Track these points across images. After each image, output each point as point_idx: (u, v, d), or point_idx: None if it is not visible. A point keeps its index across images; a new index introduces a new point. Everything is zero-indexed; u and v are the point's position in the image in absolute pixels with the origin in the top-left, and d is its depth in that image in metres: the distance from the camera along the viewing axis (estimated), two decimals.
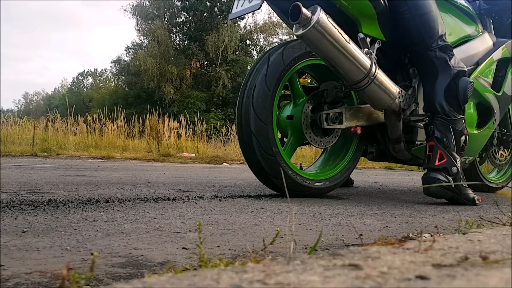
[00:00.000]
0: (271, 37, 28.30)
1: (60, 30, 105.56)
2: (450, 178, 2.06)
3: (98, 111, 9.40)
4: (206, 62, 26.95)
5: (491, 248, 0.69)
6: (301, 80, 2.44)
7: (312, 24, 1.79)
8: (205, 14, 26.14)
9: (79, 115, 9.50)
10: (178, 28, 27.26)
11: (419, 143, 2.34)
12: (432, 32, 2.13)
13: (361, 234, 1.18)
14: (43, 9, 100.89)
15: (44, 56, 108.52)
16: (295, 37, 1.99)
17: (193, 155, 7.46)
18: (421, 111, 2.27)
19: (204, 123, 9.49)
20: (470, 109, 2.50)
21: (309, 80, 3.34)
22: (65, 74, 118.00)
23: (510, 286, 0.45)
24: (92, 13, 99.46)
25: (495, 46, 2.66)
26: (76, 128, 8.86)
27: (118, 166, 4.37)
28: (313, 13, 1.81)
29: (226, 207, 1.70)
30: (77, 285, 0.57)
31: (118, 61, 29.61)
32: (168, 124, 8.63)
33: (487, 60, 2.56)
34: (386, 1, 2.10)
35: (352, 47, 1.91)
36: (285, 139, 2.31)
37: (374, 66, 1.97)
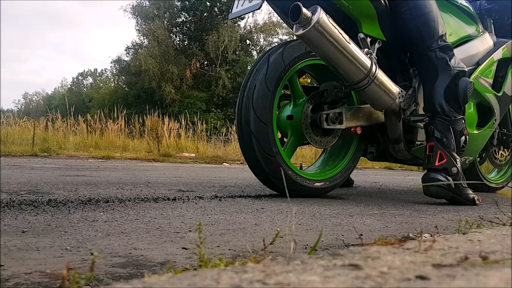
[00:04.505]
0: (271, 37, 28.34)
1: (57, 30, 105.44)
2: (450, 179, 2.06)
3: (98, 111, 9.39)
4: (206, 62, 26.96)
5: (491, 248, 0.69)
6: (301, 80, 2.44)
7: (312, 24, 1.79)
8: (205, 14, 26.15)
9: (79, 115, 9.49)
10: (178, 28, 27.27)
11: (419, 143, 2.34)
12: (432, 32, 2.13)
13: (361, 234, 1.18)
14: (39, 8, 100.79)
15: (42, 56, 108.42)
16: (295, 37, 1.99)
17: (193, 155, 7.46)
18: (421, 111, 2.27)
19: (204, 123, 9.48)
20: (470, 109, 2.50)
21: (309, 80, 3.34)
22: (63, 74, 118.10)
23: (510, 286, 0.45)
24: (90, 13, 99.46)
25: (496, 46, 2.66)
26: (76, 128, 8.86)
27: (118, 166, 4.37)
28: (313, 13, 1.80)
29: (226, 207, 1.69)
30: (77, 285, 0.57)
31: (118, 61, 29.64)
32: (168, 124, 8.63)
33: (488, 60, 2.56)
34: (386, 1, 2.10)
35: (352, 47, 1.91)
36: (285, 139, 2.31)
37: (374, 66, 1.97)
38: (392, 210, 1.82)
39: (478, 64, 2.54)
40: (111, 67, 38.66)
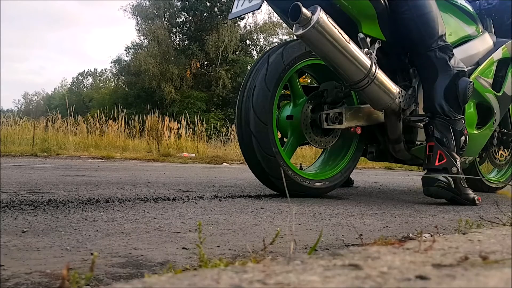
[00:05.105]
0: (271, 37, 28.34)
1: (57, 30, 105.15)
2: (450, 179, 2.06)
3: (98, 111, 9.39)
4: (206, 62, 26.96)
5: (491, 248, 0.69)
6: (301, 80, 2.44)
7: (312, 24, 1.79)
8: (205, 14, 26.15)
9: (79, 115, 9.49)
10: (178, 28, 27.27)
11: (419, 143, 2.34)
12: (432, 32, 2.13)
13: (361, 234, 1.18)
14: (39, 8, 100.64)
15: (41, 55, 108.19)
16: (295, 37, 1.99)
17: (193, 155, 7.46)
18: (421, 111, 2.27)
19: (204, 123, 9.48)
20: (470, 109, 2.50)
21: (309, 80, 3.34)
22: (63, 74, 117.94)
23: (510, 286, 0.45)
24: (90, 13, 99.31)
25: (496, 46, 2.66)
26: (76, 128, 8.86)
27: (118, 166, 4.37)
28: (313, 13, 1.81)
29: (226, 207, 1.69)
30: (77, 285, 0.57)
31: (118, 61, 29.64)
32: (168, 124, 8.62)
33: (488, 60, 2.56)
34: (386, 1, 2.10)
35: (352, 47, 1.91)
36: (285, 139, 2.31)
37: (374, 66, 1.97)
38: (392, 210, 1.82)
39: (478, 64, 2.54)
40: (111, 67, 38.65)
